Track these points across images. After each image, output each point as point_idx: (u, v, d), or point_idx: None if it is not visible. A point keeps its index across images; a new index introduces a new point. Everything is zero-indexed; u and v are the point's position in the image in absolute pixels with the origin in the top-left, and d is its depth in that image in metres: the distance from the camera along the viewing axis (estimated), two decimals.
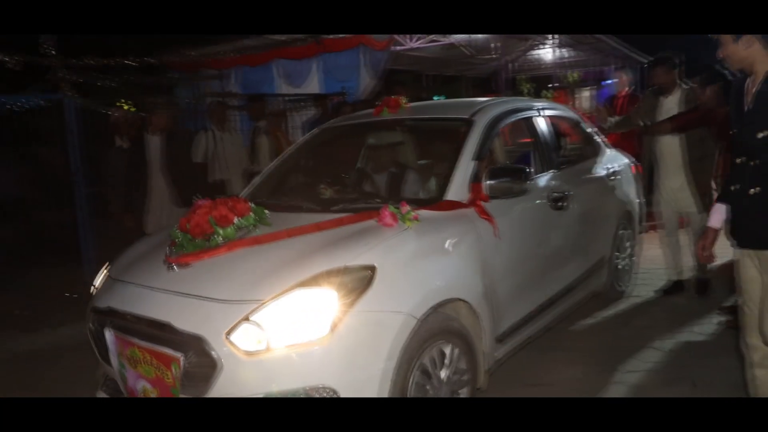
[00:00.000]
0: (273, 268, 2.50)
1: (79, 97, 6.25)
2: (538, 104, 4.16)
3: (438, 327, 2.63)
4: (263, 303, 2.35)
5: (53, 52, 6.86)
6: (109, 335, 2.73)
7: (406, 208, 2.75)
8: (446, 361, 2.71)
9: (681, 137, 4.46)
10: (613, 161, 4.70)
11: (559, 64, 13.91)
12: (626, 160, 4.96)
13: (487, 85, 16.74)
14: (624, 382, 3.47)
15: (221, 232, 2.76)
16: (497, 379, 3.38)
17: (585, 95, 14.74)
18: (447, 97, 13.85)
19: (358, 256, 2.48)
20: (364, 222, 2.79)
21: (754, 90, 2.47)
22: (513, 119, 3.75)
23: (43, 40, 6.85)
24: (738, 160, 2.55)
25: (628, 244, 4.85)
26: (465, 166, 3.15)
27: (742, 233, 2.58)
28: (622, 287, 4.82)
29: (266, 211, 2.95)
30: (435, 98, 13.14)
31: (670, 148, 4.55)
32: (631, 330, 4.27)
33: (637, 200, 4.92)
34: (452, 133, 3.45)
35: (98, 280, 3.10)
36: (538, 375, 3.62)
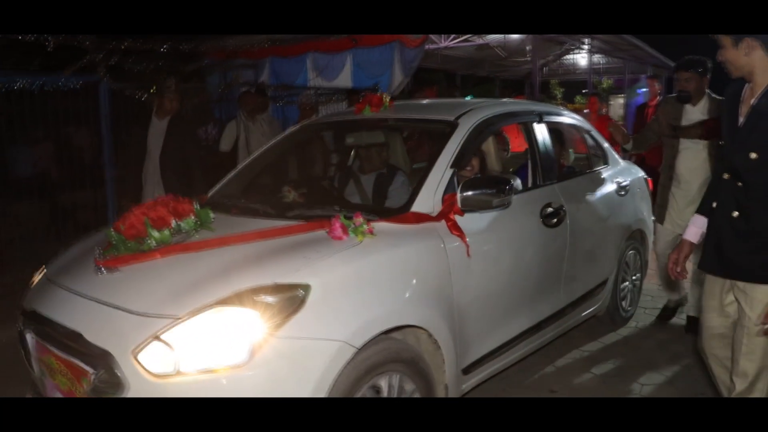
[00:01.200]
0: (196, 280, 2.22)
1: (114, 81, 6.24)
2: (539, 108, 3.78)
3: (385, 357, 2.32)
4: (177, 320, 2.08)
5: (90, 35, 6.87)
6: (30, 339, 2.51)
7: (359, 219, 2.44)
8: (394, 395, 2.39)
9: (709, 153, 3.96)
10: (624, 175, 4.30)
11: (594, 71, 13.39)
12: (640, 174, 4.55)
13: (519, 87, 16.33)
14: (641, 394, 3.41)
15: (156, 235, 2.50)
16: (509, 384, 3.47)
17: (619, 102, 14.16)
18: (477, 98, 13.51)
19: (291, 273, 2.19)
20: (313, 232, 2.49)
21: (752, 102, 2.13)
22: (505, 124, 3.40)
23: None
24: (725, 176, 2.29)
25: (637, 265, 4.44)
26: (438, 174, 2.82)
27: (712, 257, 2.36)
28: (629, 312, 4.41)
29: (212, 215, 2.68)
30: (467, 98, 12.81)
31: (695, 163, 3.98)
32: (652, 342, 4.11)
33: (652, 218, 4.50)
34: (434, 136, 3.14)
35: (35, 278, 2.88)
36: (555, 382, 3.55)
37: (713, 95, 3.98)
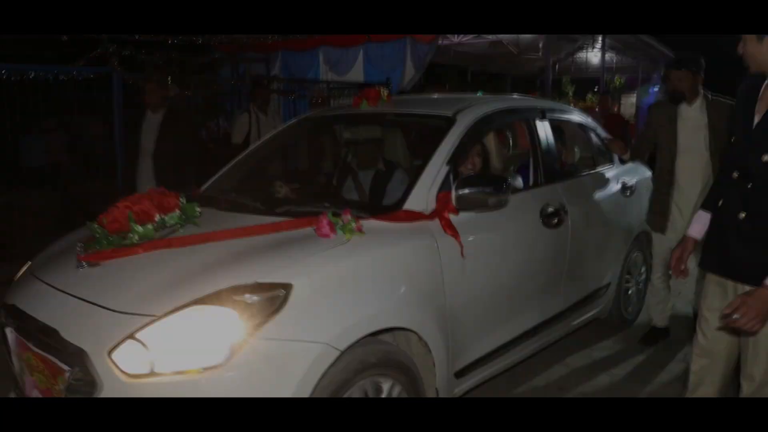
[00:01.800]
0: (175, 278, 2.14)
1: (126, 72, 6.26)
2: (542, 105, 3.67)
3: (372, 360, 2.23)
4: (154, 319, 2.01)
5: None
6: (10, 335, 2.44)
7: (347, 217, 2.36)
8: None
9: (711, 153, 3.75)
10: (630, 174, 4.18)
11: (606, 69, 13.21)
12: (648, 174, 4.42)
13: (531, 84, 16.18)
14: (651, 395, 3.41)
15: (138, 229, 2.43)
16: (517, 382, 3.47)
17: (630, 101, 13.97)
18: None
19: (273, 272, 2.10)
20: (301, 229, 2.41)
21: None
22: (506, 121, 3.29)
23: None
24: (734, 174, 2.19)
25: (642, 268, 4.33)
26: (433, 172, 2.72)
27: (714, 256, 2.29)
28: (631, 315, 4.30)
29: (199, 209, 2.61)
30: (478, 94, 12.71)
31: (697, 166, 3.72)
32: (662, 342, 4.07)
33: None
34: (431, 132, 3.03)
35: (20, 272, 2.82)
36: (564, 382, 3.54)
37: (710, 94, 3.74)
